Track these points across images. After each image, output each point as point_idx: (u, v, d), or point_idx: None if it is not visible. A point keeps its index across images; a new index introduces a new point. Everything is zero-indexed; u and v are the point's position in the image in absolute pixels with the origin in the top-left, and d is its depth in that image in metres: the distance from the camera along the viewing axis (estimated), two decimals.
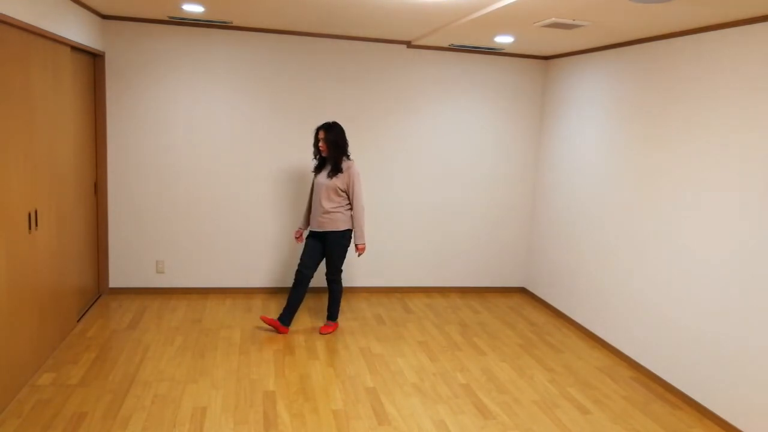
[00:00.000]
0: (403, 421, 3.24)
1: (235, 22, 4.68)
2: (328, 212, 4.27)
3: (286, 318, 4.37)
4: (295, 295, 4.34)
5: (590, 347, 4.51)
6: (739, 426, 3.27)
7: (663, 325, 3.88)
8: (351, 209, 4.34)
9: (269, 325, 4.38)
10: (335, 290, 4.46)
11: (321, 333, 4.44)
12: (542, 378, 3.91)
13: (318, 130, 4.27)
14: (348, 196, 4.29)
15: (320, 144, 4.26)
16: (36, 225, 3.40)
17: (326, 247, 4.35)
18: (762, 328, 3.14)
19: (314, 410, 3.30)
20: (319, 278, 5.39)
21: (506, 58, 5.45)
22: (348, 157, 4.31)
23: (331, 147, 4.23)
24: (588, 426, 3.31)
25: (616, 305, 4.38)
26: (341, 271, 4.43)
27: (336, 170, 4.24)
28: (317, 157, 4.37)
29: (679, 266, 3.76)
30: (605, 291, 4.53)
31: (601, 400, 3.64)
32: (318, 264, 4.40)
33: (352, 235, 4.37)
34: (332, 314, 4.51)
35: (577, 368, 4.10)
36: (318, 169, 4.38)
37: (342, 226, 4.30)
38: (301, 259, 4.37)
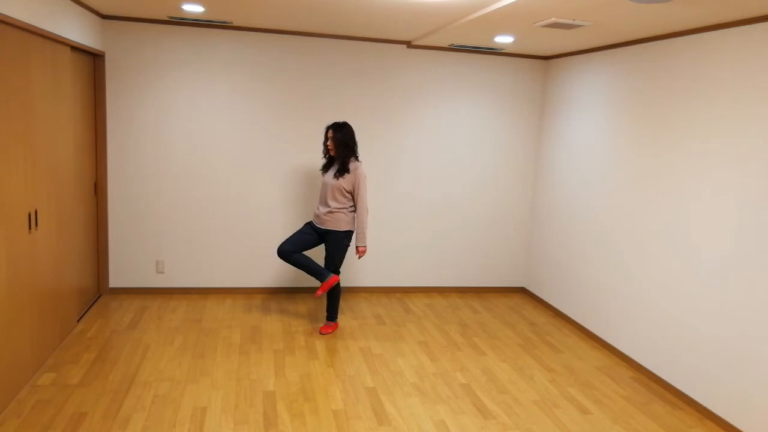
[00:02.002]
0: (403, 421, 3.24)
1: (235, 22, 4.68)
2: (332, 212, 4.26)
3: (319, 276, 4.27)
4: (298, 264, 4.27)
5: (590, 347, 4.51)
6: (739, 426, 3.27)
7: (663, 325, 3.88)
8: (355, 211, 4.33)
9: (327, 289, 4.31)
10: (334, 290, 4.45)
11: (321, 333, 4.44)
12: (542, 378, 3.91)
13: (327, 128, 4.26)
14: (353, 197, 4.29)
15: (328, 143, 4.25)
16: (36, 225, 3.40)
17: (326, 246, 4.35)
18: (762, 328, 3.14)
19: (314, 410, 3.30)
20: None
21: (506, 58, 5.45)
22: (357, 158, 4.29)
23: (340, 147, 4.21)
24: (588, 426, 3.31)
25: (617, 305, 4.38)
26: (339, 272, 4.43)
27: (343, 171, 4.23)
28: (326, 155, 4.36)
29: (679, 266, 3.76)
30: (605, 291, 4.53)
31: (601, 400, 3.64)
32: (303, 250, 4.35)
33: (354, 237, 4.36)
34: (331, 315, 4.51)
35: (577, 368, 4.10)
36: (326, 168, 4.38)
37: (344, 227, 4.30)
38: (286, 239, 4.32)
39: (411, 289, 5.67)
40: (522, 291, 5.90)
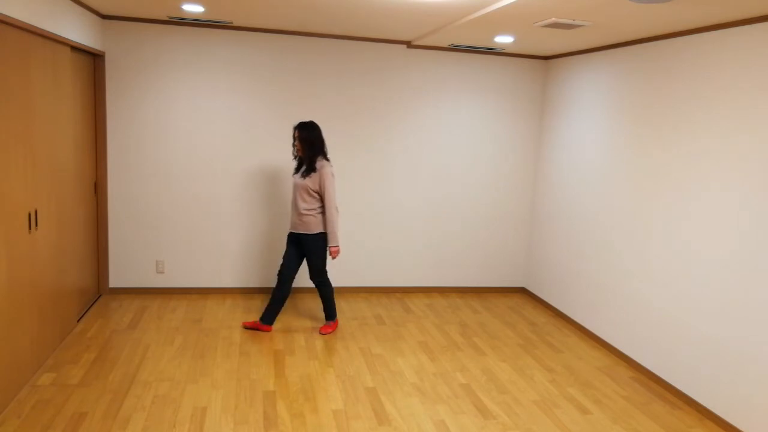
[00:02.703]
0: (403, 421, 3.24)
1: (235, 22, 4.68)
2: (301, 214, 4.22)
3: (267, 317, 4.38)
4: (276, 294, 4.35)
5: (590, 347, 4.51)
6: (739, 426, 3.27)
7: (663, 325, 3.88)
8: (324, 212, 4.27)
9: (251, 328, 4.42)
10: (324, 291, 4.44)
11: (321, 333, 4.44)
12: (542, 378, 3.91)
13: (294, 128, 4.23)
14: (321, 197, 4.23)
15: (295, 143, 4.23)
16: (36, 225, 3.40)
17: (303, 250, 4.33)
18: (762, 327, 3.14)
19: (314, 410, 3.30)
20: None
21: (506, 58, 5.45)
22: (325, 156, 4.24)
23: (306, 146, 4.17)
24: (588, 426, 3.31)
25: (617, 305, 4.38)
26: (325, 272, 4.38)
27: (310, 170, 4.18)
28: (296, 157, 4.34)
29: (679, 266, 3.76)
30: (605, 291, 4.53)
31: (601, 400, 3.64)
32: (298, 264, 4.37)
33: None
34: (329, 314, 4.51)
35: (577, 368, 4.10)
36: (297, 170, 4.33)
37: (314, 229, 4.24)
38: (282, 259, 4.35)
39: (411, 289, 5.67)
40: (522, 291, 5.91)
